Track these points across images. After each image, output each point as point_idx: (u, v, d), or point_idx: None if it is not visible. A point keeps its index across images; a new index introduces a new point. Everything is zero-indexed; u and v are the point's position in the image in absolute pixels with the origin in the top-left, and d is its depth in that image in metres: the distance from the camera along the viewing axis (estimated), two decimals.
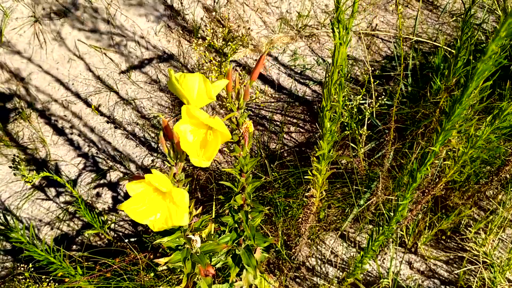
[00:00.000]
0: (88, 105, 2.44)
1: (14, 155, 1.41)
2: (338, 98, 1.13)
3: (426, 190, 1.54)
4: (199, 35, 2.60)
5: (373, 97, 1.83)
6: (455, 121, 0.88)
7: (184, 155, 0.82)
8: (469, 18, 1.24)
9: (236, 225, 1.21)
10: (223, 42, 1.67)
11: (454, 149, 1.36)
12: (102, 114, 2.43)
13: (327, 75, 1.02)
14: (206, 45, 1.71)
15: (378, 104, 1.82)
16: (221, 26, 2.57)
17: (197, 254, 0.97)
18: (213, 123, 0.74)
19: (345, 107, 1.74)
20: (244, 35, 1.82)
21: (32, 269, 1.55)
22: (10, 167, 1.39)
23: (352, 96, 1.94)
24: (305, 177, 1.35)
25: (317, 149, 1.22)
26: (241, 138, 0.99)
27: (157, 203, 0.79)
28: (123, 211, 2.14)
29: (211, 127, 0.79)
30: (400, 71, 1.90)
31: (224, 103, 2.44)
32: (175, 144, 0.80)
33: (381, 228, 1.27)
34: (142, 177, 0.75)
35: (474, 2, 1.28)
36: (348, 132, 1.87)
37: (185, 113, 0.75)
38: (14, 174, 1.37)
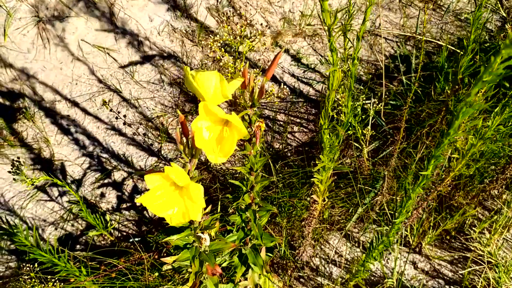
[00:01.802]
0: (91, 105, 2.44)
1: (13, 160, 1.40)
2: (346, 108, 1.13)
3: (433, 187, 1.54)
4: (202, 34, 2.60)
5: (383, 96, 1.83)
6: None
7: (198, 152, 0.82)
8: (477, 18, 1.23)
9: (244, 224, 1.21)
10: (239, 39, 1.67)
11: (461, 147, 1.35)
12: (106, 113, 2.43)
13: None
14: (221, 42, 1.72)
15: (382, 104, 1.82)
16: (227, 25, 2.57)
17: (206, 252, 0.97)
18: (231, 118, 0.74)
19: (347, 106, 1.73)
20: (259, 33, 1.82)
21: (38, 268, 1.55)
22: (9, 171, 1.38)
23: (355, 96, 1.94)
24: (309, 179, 1.37)
25: (318, 162, 1.23)
26: (252, 136, 0.98)
27: (175, 197, 0.79)
28: (132, 208, 2.14)
29: (227, 124, 0.78)
30: (417, 70, 1.90)
31: (234, 101, 2.44)
32: (191, 140, 0.80)
33: (380, 238, 1.27)
34: (156, 172, 0.75)
35: (481, 4, 1.28)
36: (351, 132, 1.87)
37: (202, 109, 0.75)
38: (14, 180, 1.36)
